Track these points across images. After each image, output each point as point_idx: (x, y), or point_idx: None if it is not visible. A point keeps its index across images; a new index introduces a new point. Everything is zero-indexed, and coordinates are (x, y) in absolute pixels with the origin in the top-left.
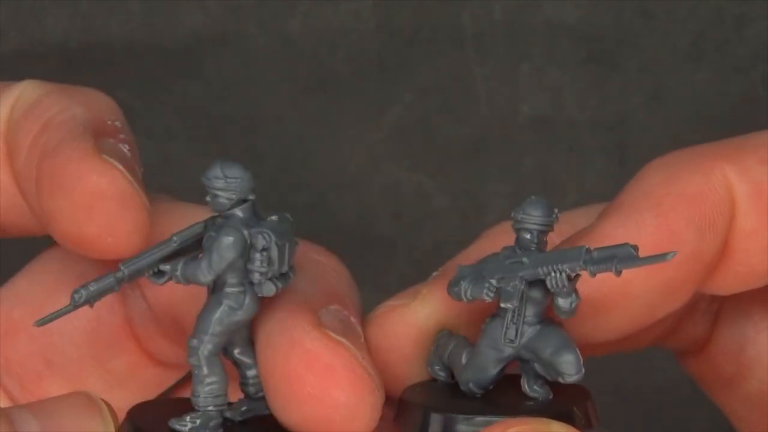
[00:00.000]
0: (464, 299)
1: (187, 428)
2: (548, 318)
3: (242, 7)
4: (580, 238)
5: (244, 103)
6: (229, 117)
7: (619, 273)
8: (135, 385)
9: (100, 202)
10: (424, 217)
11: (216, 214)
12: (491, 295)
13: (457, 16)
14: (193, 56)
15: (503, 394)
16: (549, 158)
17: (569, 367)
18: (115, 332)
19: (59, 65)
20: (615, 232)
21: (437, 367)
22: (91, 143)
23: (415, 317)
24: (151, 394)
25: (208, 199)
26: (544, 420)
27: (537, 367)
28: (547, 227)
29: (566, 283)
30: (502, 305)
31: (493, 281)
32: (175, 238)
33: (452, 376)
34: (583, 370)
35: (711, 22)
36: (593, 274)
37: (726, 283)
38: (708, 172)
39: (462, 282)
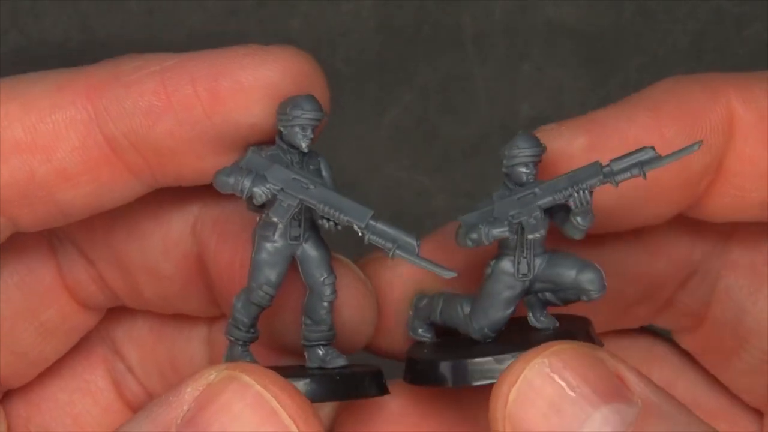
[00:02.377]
0: (485, 242)
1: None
2: (549, 248)
3: (242, 7)
4: (575, 123)
5: None
6: None
7: (645, 176)
8: (64, 332)
9: None
10: (424, 217)
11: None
12: (512, 230)
13: (457, 16)
14: None
15: (513, 334)
16: None
17: (594, 284)
18: (47, 284)
19: (59, 65)
20: (607, 120)
21: (421, 330)
22: None
23: (392, 274)
24: (76, 338)
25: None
26: (587, 344)
27: (549, 295)
28: (539, 158)
29: (590, 200)
30: (530, 237)
31: (511, 218)
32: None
33: (438, 335)
34: (606, 287)
35: (711, 22)
36: (617, 184)
37: (718, 207)
38: (713, 92)
39: (480, 227)
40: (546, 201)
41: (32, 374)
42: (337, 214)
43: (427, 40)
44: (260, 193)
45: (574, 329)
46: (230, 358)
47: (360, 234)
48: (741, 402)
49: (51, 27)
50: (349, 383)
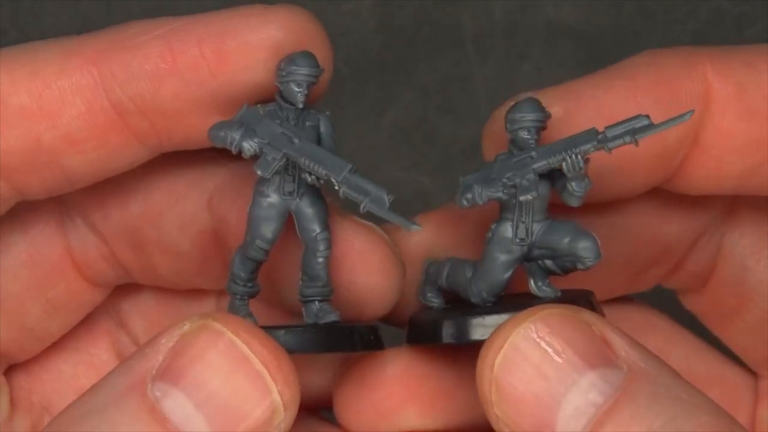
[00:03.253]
0: (479, 202)
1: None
2: (551, 214)
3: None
4: (553, 91)
5: None
6: None
7: (637, 143)
8: (71, 309)
9: None
10: None
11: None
12: (506, 192)
13: (457, 16)
14: None
15: (514, 300)
16: None
17: (589, 252)
18: (55, 262)
19: None
20: (583, 89)
21: (430, 295)
22: None
23: (406, 242)
24: (82, 315)
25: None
26: (574, 307)
27: (548, 263)
28: (542, 123)
29: (582, 164)
30: (522, 198)
31: (505, 179)
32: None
33: (448, 301)
34: (602, 255)
35: (711, 22)
36: (610, 150)
37: (694, 179)
38: (690, 66)
39: (474, 187)
40: (541, 164)
41: (37, 350)
42: (315, 167)
43: (427, 40)
44: (248, 147)
45: (576, 298)
46: (230, 312)
47: (336, 187)
48: (734, 369)
49: (51, 27)
50: (331, 337)
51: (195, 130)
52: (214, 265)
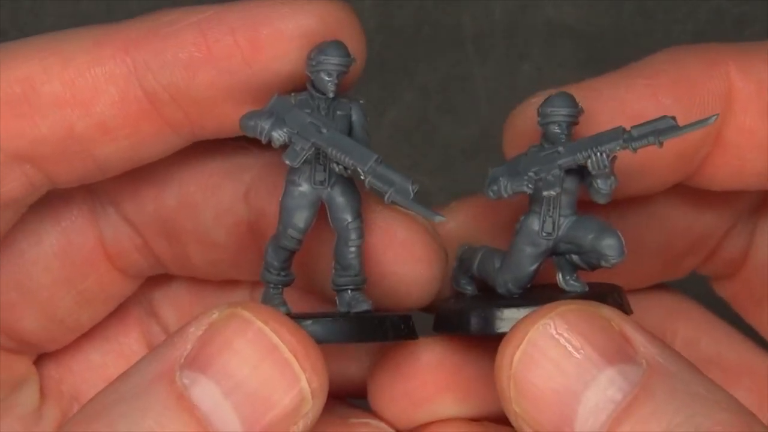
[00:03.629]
0: (504, 195)
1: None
2: (580, 210)
3: None
4: (574, 89)
5: None
6: None
7: (661, 144)
8: (101, 300)
9: None
10: None
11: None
12: (531, 186)
13: (457, 16)
14: None
15: (540, 292)
16: None
17: (612, 250)
18: (87, 253)
19: None
20: (603, 87)
21: (463, 281)
22: None
23: (442, 228)
24: (113, 306)
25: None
26: (593, 302)
27: (575, 258)
28: (574, 118)
29: (607, 163)
30: (545, 193)
31: (531, 174)
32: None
33: (479, 288)
34: (626, 253)
35: (711, 22)
36: (635, 150)
37: (718, 176)
38: (711, 63)
39: (500, 179)
40: (567, 160)
41: (68, 340)
42: (342, 156)
43: (427, 40)
44: (277, 136)
45: (604, 293)
46: (264, 301)
47: (362, 177)
48: (766, 357)
49: (51, 27)
50: (362, 326)
51: (228, 119)
52: (250, 257)
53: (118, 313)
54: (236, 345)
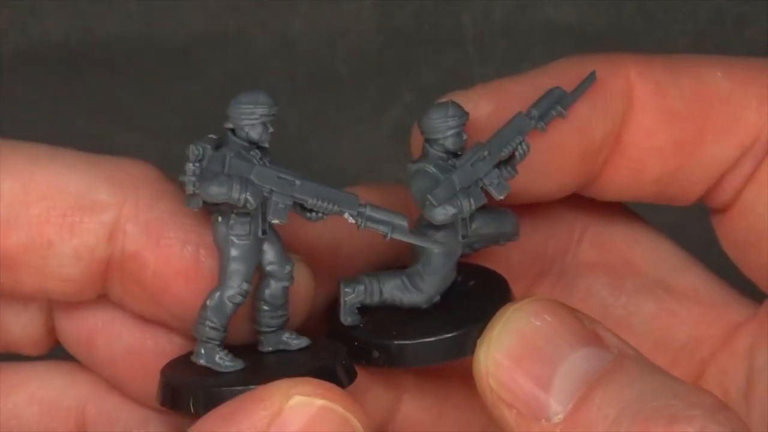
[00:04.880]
0: (467, 214)
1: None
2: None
3: (242, 7)
4: (482, 88)
5: None
6: None
7: (564, 115)
8: None
9: None
10: None
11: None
12: (484, 197)
13: (457, 16)
14: (193, 56)
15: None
16: None
17: (515, 231)
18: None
19: (59, 65)
20: (512, 87)
21: (350, 319)
22: None
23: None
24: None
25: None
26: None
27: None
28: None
29: (527, 149)
30: (502, 198)
31: (482, 185)
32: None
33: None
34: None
35: (711, 22)
36: (544, 129)
37: (615, 180)
38: (613, 65)
39: (457, 198)
40: (496, 159)
41: None
42: (328, 206)
43: (427, 40)
44: (251, 200)
45: (493, 280)
46: (209, 359)
47: (352, 221)
48: (741, 298)
49: (51, 27)
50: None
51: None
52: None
53: None
54: None
